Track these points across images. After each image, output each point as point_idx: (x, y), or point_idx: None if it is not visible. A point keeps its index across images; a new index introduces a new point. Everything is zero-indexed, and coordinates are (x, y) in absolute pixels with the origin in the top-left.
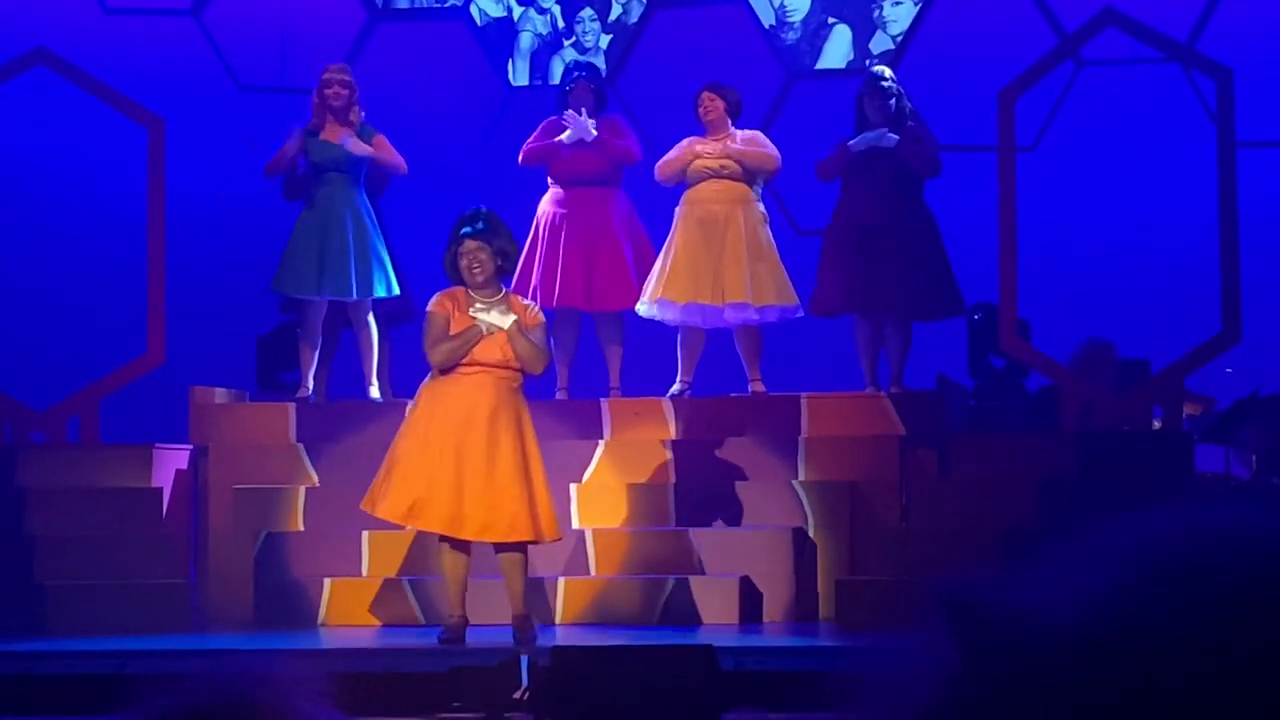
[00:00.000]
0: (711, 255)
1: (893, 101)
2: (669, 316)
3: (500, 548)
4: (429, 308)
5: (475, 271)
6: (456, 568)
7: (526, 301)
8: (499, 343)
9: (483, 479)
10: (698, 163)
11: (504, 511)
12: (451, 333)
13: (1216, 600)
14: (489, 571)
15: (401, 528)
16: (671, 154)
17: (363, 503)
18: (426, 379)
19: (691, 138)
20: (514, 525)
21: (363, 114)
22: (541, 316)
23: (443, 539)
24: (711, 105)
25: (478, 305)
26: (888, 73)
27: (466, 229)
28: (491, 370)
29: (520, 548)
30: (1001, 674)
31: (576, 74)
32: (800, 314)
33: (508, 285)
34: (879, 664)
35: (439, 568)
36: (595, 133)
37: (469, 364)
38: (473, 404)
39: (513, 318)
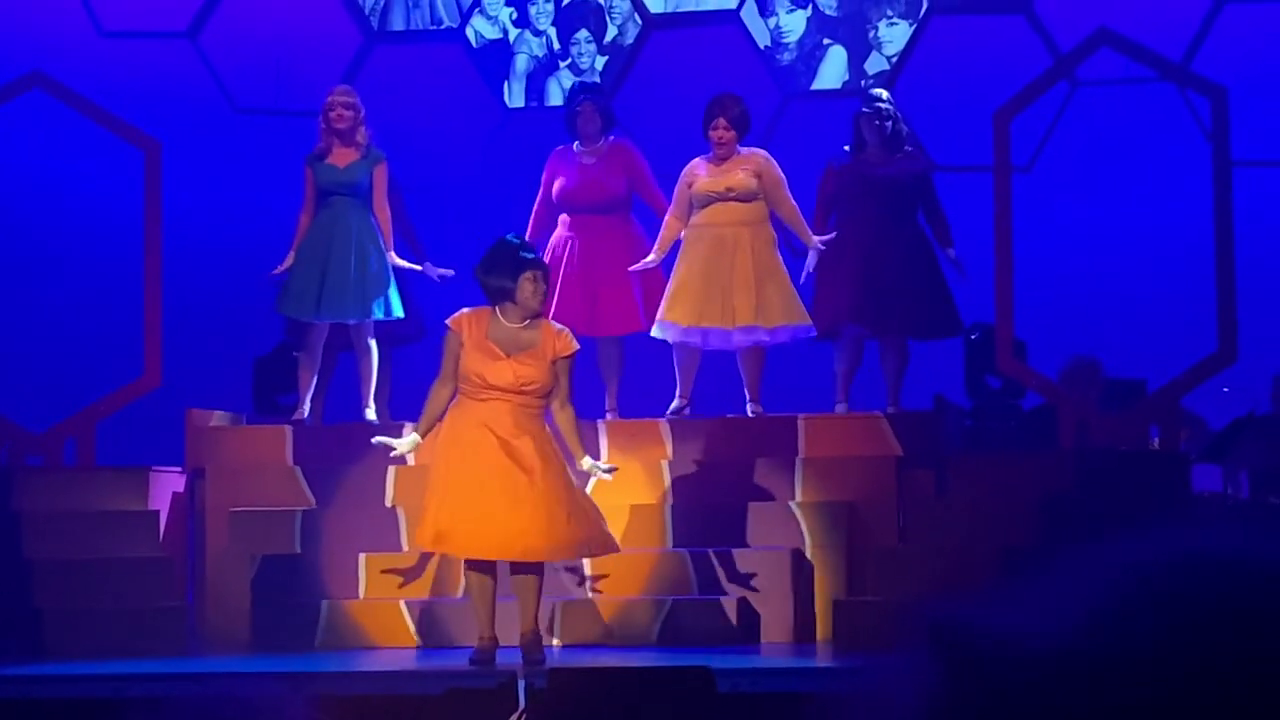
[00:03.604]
0: (721, 278)
1: (889, 124)
2: (680, 338)
3: (515, 569)
4: (449, 323)
5: (537, 300)
6: (484, 589)
7: (559, 328)
8: (511, 367)
9: (503, 500)
10: (704, 187)
11: (522, 531)
12: (464, 357)
13: (1196, 624)
14: (502, 593)
15: (401, 550)
16: (674, 202)
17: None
18: (453, 401)
19: (686, 170)
20: (530, 547)
21: (370, 134)
22: (573, 344)
23: (469, 562)
24: (727, 134)
25: (393, 441)
26: (885, 95)
27: (530, 255)
28: (508, 396)
29: (536, 570)
30: (982, 693)
31: (583, 97)
32: (814, 334)
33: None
34: (865, 683)
35: (467, 590)
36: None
37: (486, 388)
38: (490, 428)
39: (409, 445)
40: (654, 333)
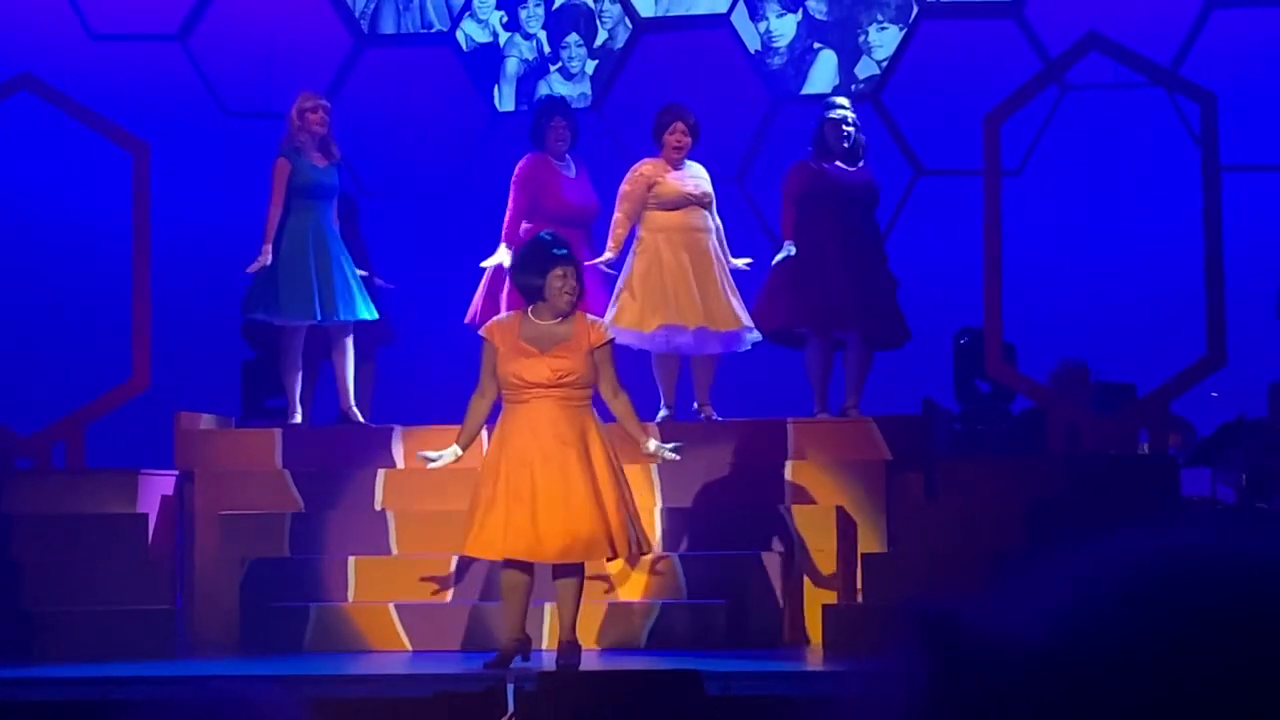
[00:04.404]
0: (711, 281)
1: (852, 131)
2: (681, 341)
3: (558, 573)
4: (482, 333)
5: (566, 296)
6: (520, 587)
7: (593, 319)
8: (547, 362)
9: (558, 502)
10: (680, 189)
11: (581, 532)
12: (500, 361)
13: (1184, 623)
14: (491, 597)
15: (390, 553)
16: (628, 200)
17: (461, 546)
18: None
19: (645, 171)
20: (592, 545)
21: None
22: (608, 332)
23: (507, 560)
24: (685, 139)
25: (435, 454)
26: (847, 102)
27: (561, 251)
28: (549, 391)
29: (577, 574)
30: (971, 692)
31: (556, 115)
32: (748, 345)
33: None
34: (854, 685)
35: (501, 589)
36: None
37: (526, 387)
38: (537, 430)
39: (450, 458)
40: (634, 342)
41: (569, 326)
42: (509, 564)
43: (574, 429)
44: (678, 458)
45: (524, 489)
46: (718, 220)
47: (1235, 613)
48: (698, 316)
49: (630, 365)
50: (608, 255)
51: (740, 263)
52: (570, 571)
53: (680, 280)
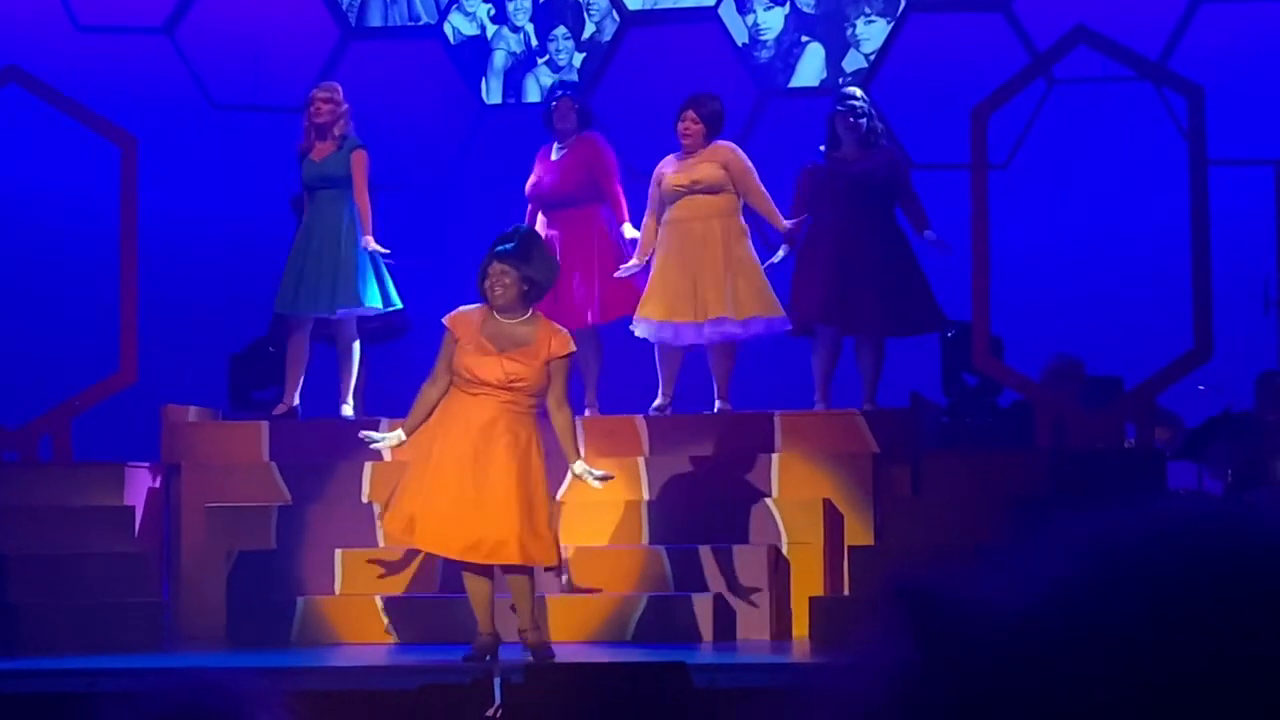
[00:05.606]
0: (689, 273)
1: (864, 121)
2: (652, 334)
3: (507, 569)
4: (445, 321)
5: (497, 293)
6: (478, 585)
7: (557, 328)
8: (500, 363)
9: (474, 498)
10: (671, 182)
11: (490, 533)
12: (458, 353)
13: (1169, 594)
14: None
15: (376, 546)
16: (650, 200)
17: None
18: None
19: (660, 168)
20: (499, 548)
21: (351, 127)
22: (570, 345)
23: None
24: (694, 127)
25: (379, 435)
26: (859, 93)
27: (499, 248)
28: (496, 392)
29: (525, 570)
30: (956, 665)
31: (560, 93)
32: (788, 326)
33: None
34: (840, 666)
35: (466, 585)
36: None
37: (477, 384)
38: (473, 423)
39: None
40: (634, 330)
41: (530, 329)
42: (466, 564)
43: (509, 432)
44: (599, 485)
45: (444, 480)
46: (761, 192)
47: (1219, 581)
48: (671, 311)
49: (633, 353)
50: (633, 263)
51: (786, 224)
52: (517, 569)
53: (667, 274)
